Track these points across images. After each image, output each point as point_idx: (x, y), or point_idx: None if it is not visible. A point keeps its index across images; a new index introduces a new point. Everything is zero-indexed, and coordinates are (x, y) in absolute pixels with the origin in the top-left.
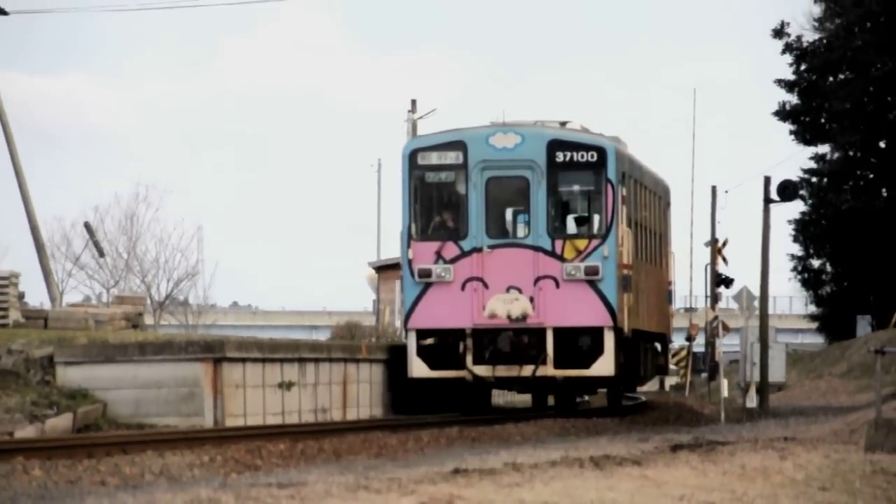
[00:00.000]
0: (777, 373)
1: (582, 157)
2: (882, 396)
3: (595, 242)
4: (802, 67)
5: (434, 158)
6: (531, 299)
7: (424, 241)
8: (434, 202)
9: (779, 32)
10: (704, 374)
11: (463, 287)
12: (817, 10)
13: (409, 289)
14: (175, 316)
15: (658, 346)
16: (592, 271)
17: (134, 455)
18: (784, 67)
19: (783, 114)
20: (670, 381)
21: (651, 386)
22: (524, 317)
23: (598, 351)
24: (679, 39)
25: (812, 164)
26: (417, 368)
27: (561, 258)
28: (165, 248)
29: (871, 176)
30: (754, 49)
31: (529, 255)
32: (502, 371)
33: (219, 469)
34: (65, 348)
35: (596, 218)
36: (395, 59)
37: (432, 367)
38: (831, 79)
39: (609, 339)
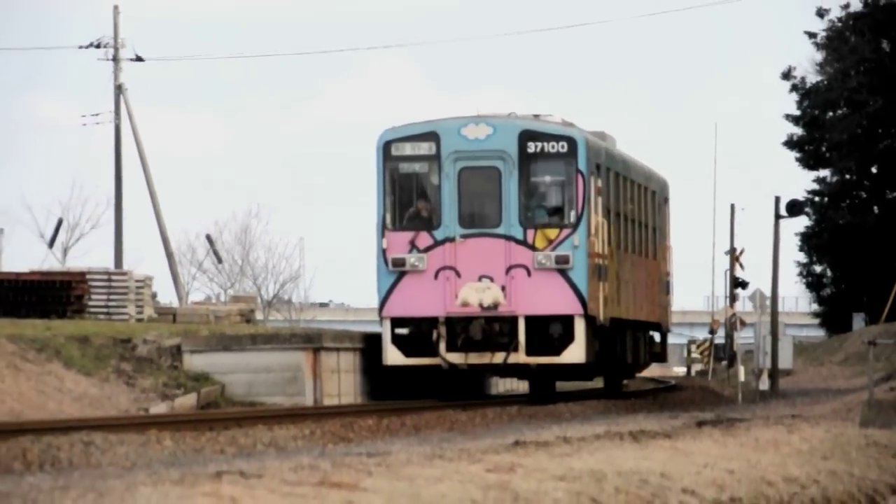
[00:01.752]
0: (785, 361)
1: (553, 147)
2: (874, 381)
3: (566, 232)
4: (806, 104)
5: (407, 149)
6: (503, 288)
7: (398, 230)
8: (408, 192)
9: (787, 75)
10: (724, 362)
11: (436, 276)
12: (819, 56)
13: (384, 278)
14: (281, 312)
15: (654, 334)
16: (563, 260)
17: (247, 428)
18: (791, 104)
19: (790, 143)
20: (696, 367)
21: (680, 372)
22: (496, 305)
23: (568, 338)
24: (703, 81)
25: (815, 186)
26: (392, 356)
27: (532, 247)
28: (273, 255)
29: (865, 196)
30: (766, 89)
31: (501, 244)
32: (474, 358)
33: (318, 440)
34: (190, 339)
35: (567, 207)
36: (464, 96)
37: (407, 354)
38: (831, 114)
39: (580, 327)
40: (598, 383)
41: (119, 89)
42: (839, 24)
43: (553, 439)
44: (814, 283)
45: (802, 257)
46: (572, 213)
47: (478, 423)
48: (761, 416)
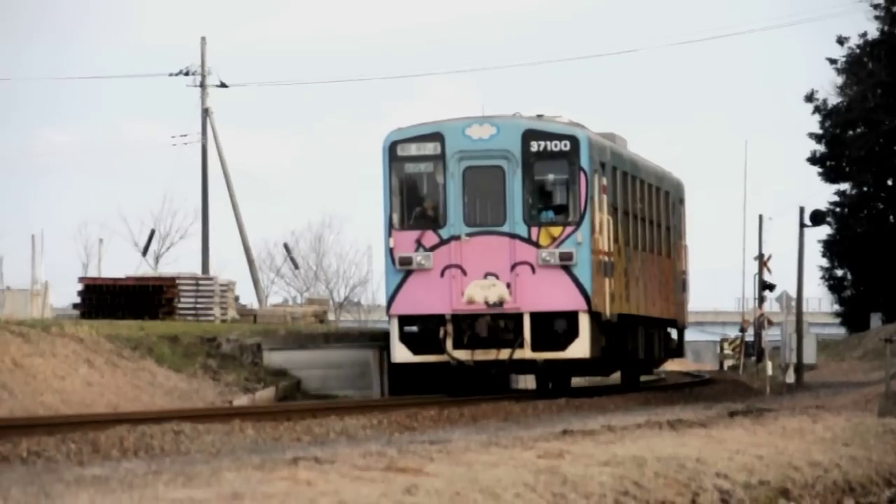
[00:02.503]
0: (809, 356)
1: (555, 146)
2: (891, 375)
3: (569, 229)
4: (828, 124)
5: (413, 150)
6: (508, 285)
7: (405, 230)
8: (414, 192)
9: (809, 97)
10: (753, 358)
11: (442, 274)
12: (839, 80)
13: (391, 276)
14: (351, 313)
15: (671, 331)
16: (567, 257)
17: (321, 419)
18: (814, 124)
19: (813, 159)
20: (728, 363)
21: (713, 367)
22: (501, 302)
23: (573, 334)
24: (735, 103)
25: (836, 198)
26: (400, 354)
27: (536, 245)
28: (344, 261)
29: (882, 207)
30: (791, 110)
31: (506, 242)
32: (481, 355)
33: (385, 430)
34: (269, 338)
35: (570, 205)
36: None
37: (415, 352)
38: (850, 133)
39: (584, 323)
40: (613, 380)
41: (205, 112)
42: (857, 51)
43: (598, 428)
44: (835, 285)
45: (825, 262)
46: (575, 211)
47: (529, 414)
48: (788, 407)
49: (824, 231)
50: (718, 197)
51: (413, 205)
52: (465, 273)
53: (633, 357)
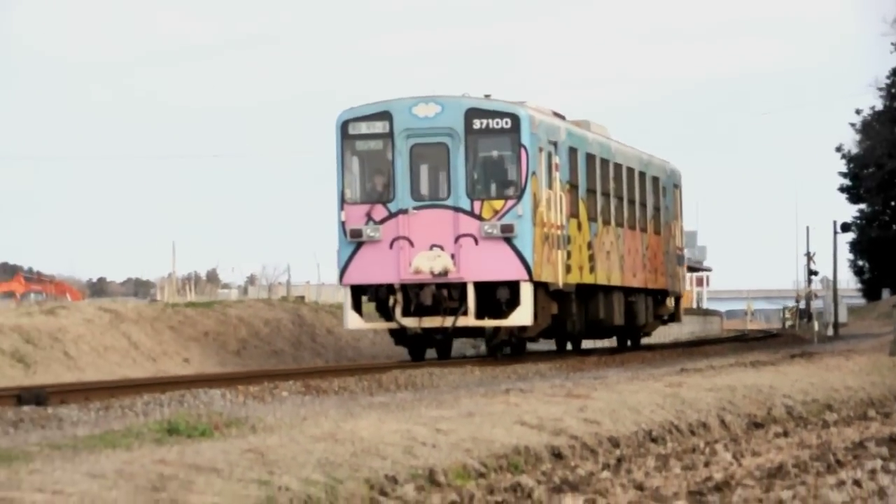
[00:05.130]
0: (842, 317)
1: (497, 123)
2: None
3: (511, 203)
4: (851, 165)
5: (363, 128)
6: (452, 256)
7: (356, 204)
8: (364, 168)
9: (839, 148)
10: (805, 319)
11: (391, 245)
12: (858, 136)
13: (343, 248)
14: None
15: (664, 299)
16: (508, 229)
17: (525, 363)
18: (842, 165)
19: (842, 188)
20: (788, 323)
21: (779, 327)
22: (446, 272)
23: (515, 302)
24: (786, 146)
25: (857, 214)
26: (352, 321)
27: (479, 218)
28: None
29: (887, 220)
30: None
31: (450, 215)
32: (427, 322)
33: (564, 370)
34: None
35: (511, 180)
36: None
37: (367, 319)
38: (865, 171)
39: (526, 292)
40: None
41: None
42: (868, 118)
43: (704, 367)
44: (858, 271)
45: (851, 256)
46: (517, 186)
47: (659, 358)
48: (828, 351)
49: (850, 236)
50: (780, 212)
51: (364, 180)
52: (412, 245)
53: (608, 322)
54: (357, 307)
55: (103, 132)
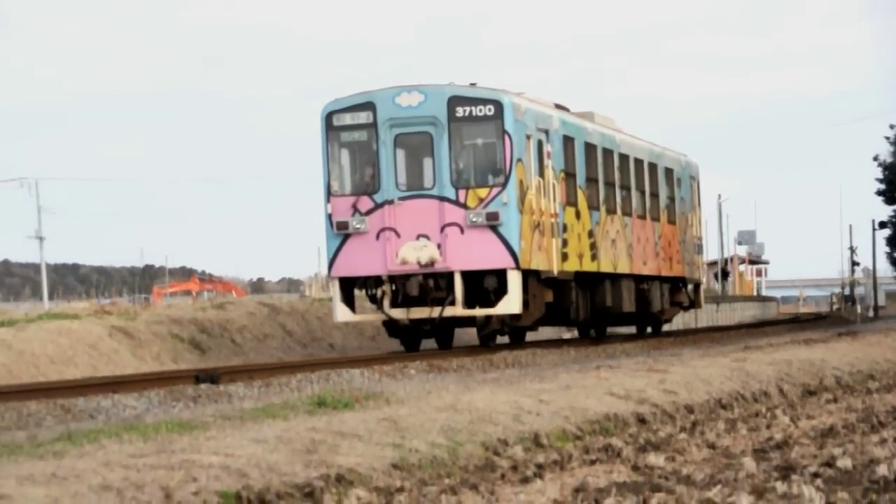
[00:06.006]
0: (881, 301)
1: (480, 110)
2: None
3: (496, 190)
4: (885, 172)
5: (347, 119)
6: (438, 246)
7: (342, 196)
8: (349, 159)
9: (875, 158)
10: (849, 303)
11: (378, 237)
12: (892, 148)
13: (331, 240)
14: None
15: (683, 287)
16: (493, 217)
17: (615, 344)
18: (879, 172)
19: (879, 192)
20: (835, 307)
21: (827, 310)
22: (432, 262)
23: (503, 291)
24: (830, 160)
25: (892, 213)
26: (341, 313)
27: (465, 206)
28: None
29: None
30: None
31: (435, 204)
32: (416, 313)
33: (645, 349)
34: None
35: (496, 167)
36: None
37: (355, 311)
38: None
39: (513, 280)
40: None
41: None
42: None
43: (764, 345)
44: (894, 262)
45: (888, 249)
46: (501, 173)
47: (725, 338)
48: (870, 330)
49: (886, 232)
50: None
51: (349, 172)
52: (398, 235)
53: (616, 309)
54: (347, 300)
55: (264, 157)
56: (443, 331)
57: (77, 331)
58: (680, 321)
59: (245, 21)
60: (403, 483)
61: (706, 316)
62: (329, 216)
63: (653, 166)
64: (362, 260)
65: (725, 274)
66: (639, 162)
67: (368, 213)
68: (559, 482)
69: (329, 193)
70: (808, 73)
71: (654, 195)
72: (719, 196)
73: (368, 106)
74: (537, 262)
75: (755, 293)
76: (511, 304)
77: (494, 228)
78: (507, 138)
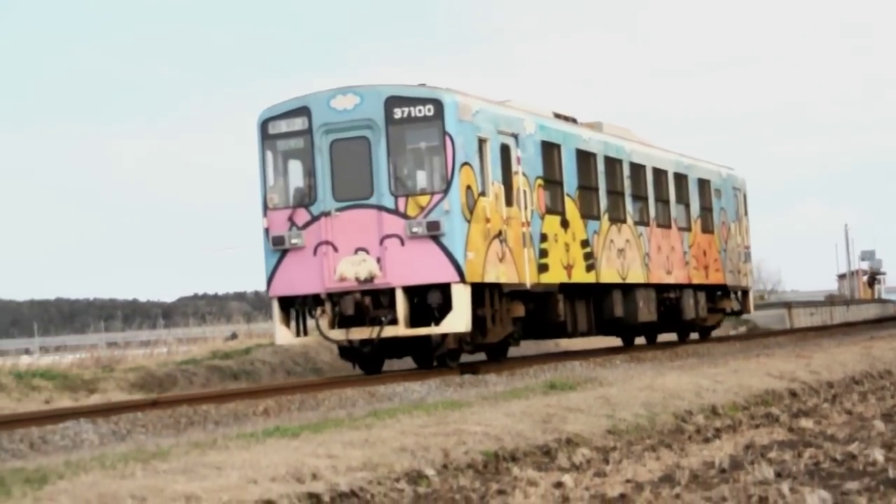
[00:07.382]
0: None
1: (419, 111)
2: None
3: (437, 197)
4: None
5: (283, 126)
6: (378, 260)
7: (279, 209)
8: (286, 169)
9: None
10: None
11: (315, 252)
12: None
13: (268, 257)
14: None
15: (726, 294)
16: (434, 227)
17: (768, 338)
18: None
19: None
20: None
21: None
22: (371, 278)
23: (447, 307)
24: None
25: None
26: (281, 336)
27: (405, 216)
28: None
29: None
30: None
31: (374, 215)
32: (356, 333)
33: (794, 341)
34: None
35: (437, 173)
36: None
37: (296, 333)
38: None
39: (459, 295)
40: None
41: None
42: None
43: (885, 335)
44: None
45: None
46: (443, 179)
47: (854, 331)
48: None
49: None
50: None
51: (286, 182)
52: (336, 249)
53: (631, 319)
54: (287, 321)
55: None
56: (386, 353)
57: None
58: (818, 319)
59: None
60: (616, 443)
61: (839, 315)
62: (266, 230)
63: (680, 177)
64: (300, 277)
65: (873, 280)
66: (660, 172)
67: (305, 226)
68: (733, 441)
69: (265, 206)
70: None
71: (684, 205)
72: (846, 225)
73: (303, 111)
74: (496, 275)
75: (875, 297)
76: (457, 321)
77: (436, 239)
78: (448, 141)
